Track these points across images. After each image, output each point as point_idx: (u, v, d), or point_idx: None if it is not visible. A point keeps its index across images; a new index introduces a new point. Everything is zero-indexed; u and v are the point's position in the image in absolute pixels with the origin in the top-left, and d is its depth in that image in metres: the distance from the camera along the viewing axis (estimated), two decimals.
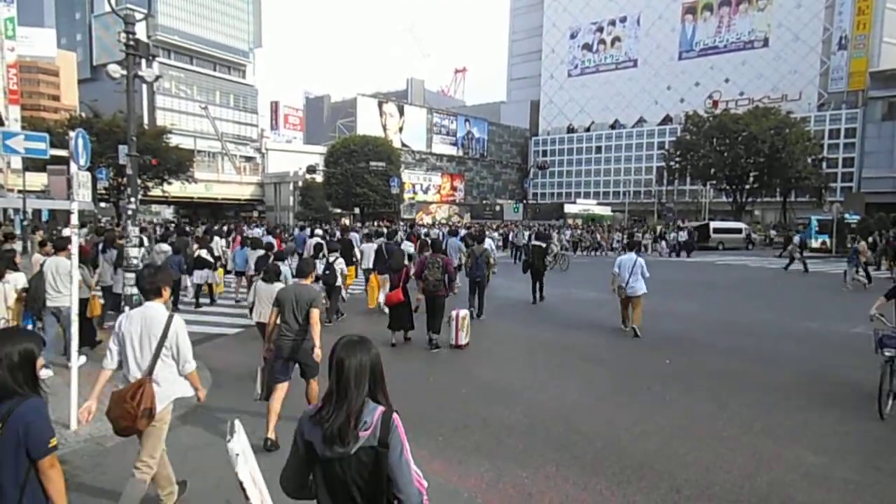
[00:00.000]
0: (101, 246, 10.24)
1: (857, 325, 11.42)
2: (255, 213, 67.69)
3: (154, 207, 71.33)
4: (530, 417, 6.29)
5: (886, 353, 6.44)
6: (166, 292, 4.22)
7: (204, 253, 13.18)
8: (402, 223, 45.92)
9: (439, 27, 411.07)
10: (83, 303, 7.42)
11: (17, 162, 39.58)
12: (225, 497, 4.38)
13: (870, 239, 24.65)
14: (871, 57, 67.58)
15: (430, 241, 11.29)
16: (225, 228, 27.15)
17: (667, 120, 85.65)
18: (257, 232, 20.43)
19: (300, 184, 60.33)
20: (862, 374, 7.76)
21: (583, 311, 13.63)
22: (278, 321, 5.73)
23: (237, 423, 3.50)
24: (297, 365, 5.77)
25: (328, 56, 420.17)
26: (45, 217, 36.22)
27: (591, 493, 4.61)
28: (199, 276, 12.91)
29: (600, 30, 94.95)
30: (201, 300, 13.22)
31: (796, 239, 26.39)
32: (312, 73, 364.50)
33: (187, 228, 25.36)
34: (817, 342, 10.43)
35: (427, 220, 60.49)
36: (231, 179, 71.16)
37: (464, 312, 9.70)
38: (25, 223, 27.85)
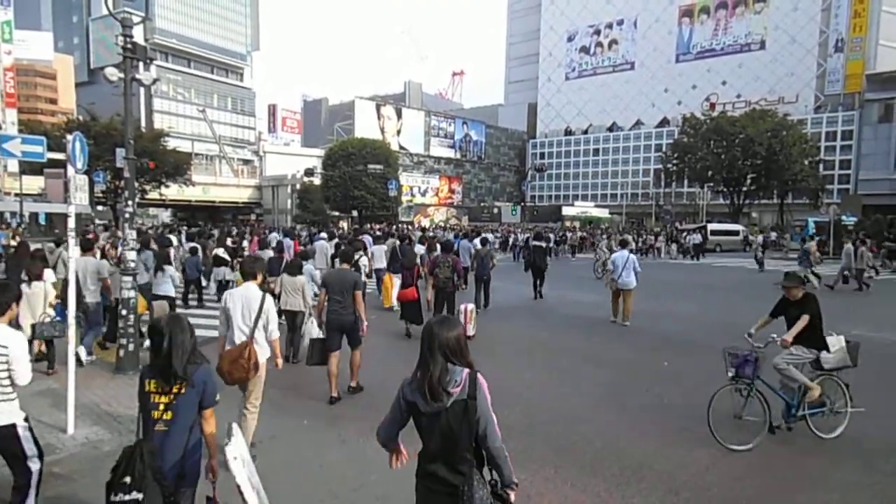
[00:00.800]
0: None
1: (854, 328, 11.42)
2: (253, 216, 67.63)
3: (151, 210, 71.27)
4: (529, 418, 6.28)
5: (729, 374, 5.71)
6: (260, 277, 5.37)
7: (221, 251, 13.83)
8: (412, 227, 45.97)
9: (437, 30, 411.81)
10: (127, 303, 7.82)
11: (13, 165, 39.58)
12: (224, 500, 4.35)
13: (816, 239, 25.60)
14: (867, 59, 67.84)
15: (440, 243, 12.20)
16: (234, 230, 28.07)
17: (664, 122, 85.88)
18: (273, 235, 21.15)
19: (298, 187, 60.29)
20: (860, 377, 7.75)
21: (582, 312, 13.63)
22: (327, 301, 6.88)
23: (235, 426, 3.49)
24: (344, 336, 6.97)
25: (326, 59, 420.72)
26: (42, 220, 36.12)
27: (589, 494, 4.60)
28: (217, 273, 13.48)
29: (597, 32, 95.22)
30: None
31: (759, 238, 26.56)
32: (310, 76, 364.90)
33: (213, 231, 25.89)
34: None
35: (425, 222, 60.50)
36: (229, 182, 71.08)
37: (471, 306, 10.42)
38: (23, 227, 27.79)
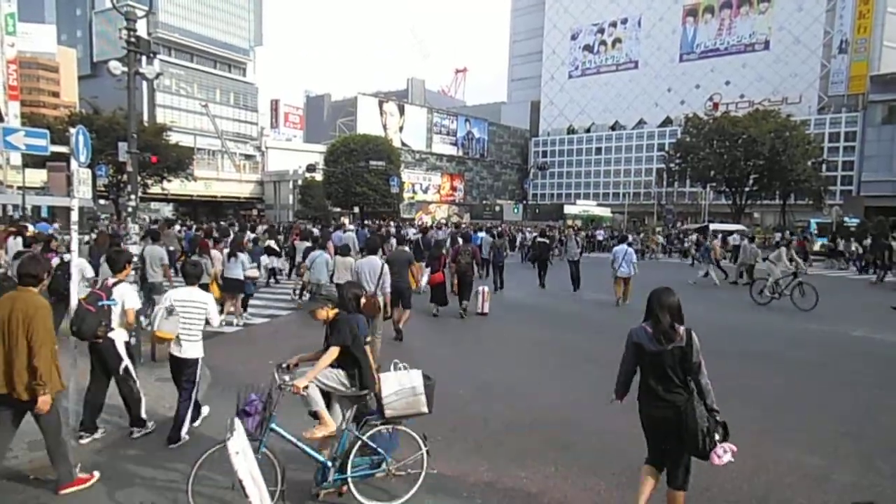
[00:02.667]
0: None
1: (857, 328, 11.43)
2: (255, 212, 67.62)
3: (153, 205, 71.26)
4: (530, 417, 6.29)
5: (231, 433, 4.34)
6: (380, 251, 7.89)
7: (272, 243, 16.75)
8: (414, 224, 46.00)
9: (440, 27, 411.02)
10: (203, 287, 8.33)
11: (16, 158, 39.62)
12: (222, 495, 4.36)
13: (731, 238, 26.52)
14: (871, 60, 67.67)
15: (462, 236, 15.06)
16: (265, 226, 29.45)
17: (667, 122, 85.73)
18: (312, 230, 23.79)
19: (300, 182, 60.27)
20: (861, 377, 7.78)
21: (584, 311, 13.64)
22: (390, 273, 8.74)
23: (237, 421, 3.51)
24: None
25: (329, 55, 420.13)
26: (44, 213, 36.18)
27: (590, 493, 4.61)
28: (266, 261, 15.32)
29: (601, 31, 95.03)
30: (270, 280, 16.42)
31: (693, 238, 26.68)
32: (313, 71, 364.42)
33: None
34: (816, 344, 10.44)
35: (427, 219, 60.51)
36: (231, 177, 71.08)
37: (487, 288, 12.87)
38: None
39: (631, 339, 4.03)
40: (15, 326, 4.16)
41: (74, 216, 6.05)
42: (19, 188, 34.65)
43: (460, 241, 13.90)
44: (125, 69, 7.86)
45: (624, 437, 5.76)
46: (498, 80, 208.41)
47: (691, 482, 4.84)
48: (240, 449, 3.24)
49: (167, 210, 73.37)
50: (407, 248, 12.45)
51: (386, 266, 8.27)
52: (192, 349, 5.36)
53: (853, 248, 27.38)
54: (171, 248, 14.17)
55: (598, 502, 4.50)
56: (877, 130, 64.37)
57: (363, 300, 5.47)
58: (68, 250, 8.46)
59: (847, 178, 67.82)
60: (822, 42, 73.41)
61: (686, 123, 54.75)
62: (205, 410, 5.93)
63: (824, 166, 53.90)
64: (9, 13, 47.47)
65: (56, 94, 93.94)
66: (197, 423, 5.70)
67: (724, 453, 3.79)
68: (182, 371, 5.37)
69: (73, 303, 5.54)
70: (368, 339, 5.63)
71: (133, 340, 6.27)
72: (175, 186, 47.44)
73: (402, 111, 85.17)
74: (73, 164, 6.00)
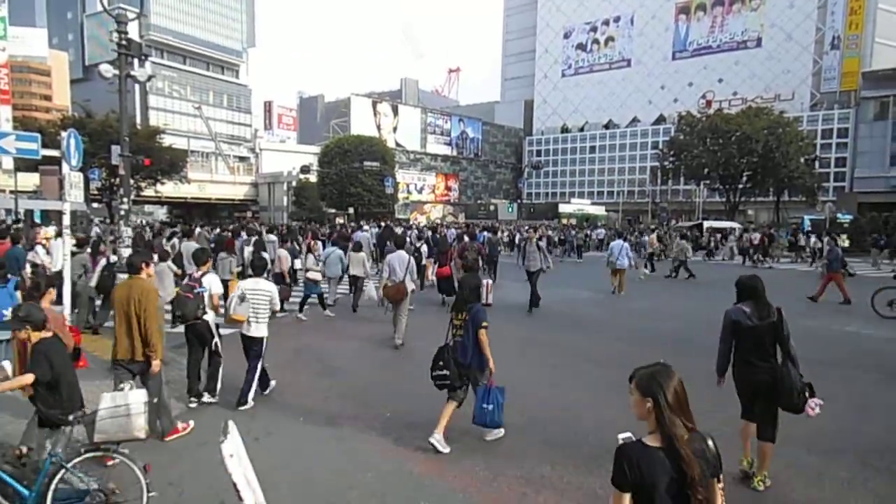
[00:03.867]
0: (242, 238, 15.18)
1: (850, 324, 11.47)
2: (249, 214, 67.44)
3: (147, 208, 71.05)
4: (526, 417, 6.29)
5: None
6: (405, 245, 9.39)
7: (265, 255, 17.17)
8: (411, 224, 45.86)
9: (433, 27, 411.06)
10: (225, 284, 9.60)
11: (8, 162, 39.38)
12: (219, 498, 4.35)
13: (657, 231, 26.83)
14: (863, 57, 67.98)
15: (468, 234, 17.24)
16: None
17: (660, 120, 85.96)
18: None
19: (294, 184, 60.16)
20: (857, 373, 7.80)
21: (579, 310, 13.66)
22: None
23: (231, 423, 3.49)
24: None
25: (322, 56, 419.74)
26: (37, 218, 35.99)
27: (585, 492, 4.60)
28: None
29: (594, 29, 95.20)
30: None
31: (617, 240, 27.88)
32: (306, 72, 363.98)
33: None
34: (812, 340, 10.47)
35: (421, 219, 60.47)
36: (225, 180, 70.87)
37: (490, 281, 14.18)
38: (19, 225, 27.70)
39: (729, 318, 4.70)
40: (132, 306, 5.18)
41: (66, 220, 6.03)
42: (12, 192, 34.43)
43: (466, 238, 16.06)
44: (116, 72, 7.83)
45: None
46: (491, 79, 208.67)
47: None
48: (234, 451, 3.22)
49: (161, 213, 73.15)
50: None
51: (412, 259, 9.38)
52: (259, 329, 6.53)
53: (812, 244, 27.87)
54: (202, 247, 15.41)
55: (593, 501, 4.50)
56: (869, 127, 64.66)
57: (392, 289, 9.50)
58: (115, 252, 10.57)
59: (840, 174, 68.13)
60: (814, 39, 73.74)
61: (679, 121, 54.87)
62: (273, 384, 7.04)
63: (817, 163, 54.09)
64: None
65: (48, 98, 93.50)
66: (267, 392, 6.92)
67: (815, 406, 4.50)
68: (251, 347, 6.56)
69: (67, 300, 5.51)
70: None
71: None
72: (169, 189, 47.27)
73: (395, 111, 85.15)
74: (65, 167, 5.98)
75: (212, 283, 6.60)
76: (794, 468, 5.11)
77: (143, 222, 44.49)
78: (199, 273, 6.71)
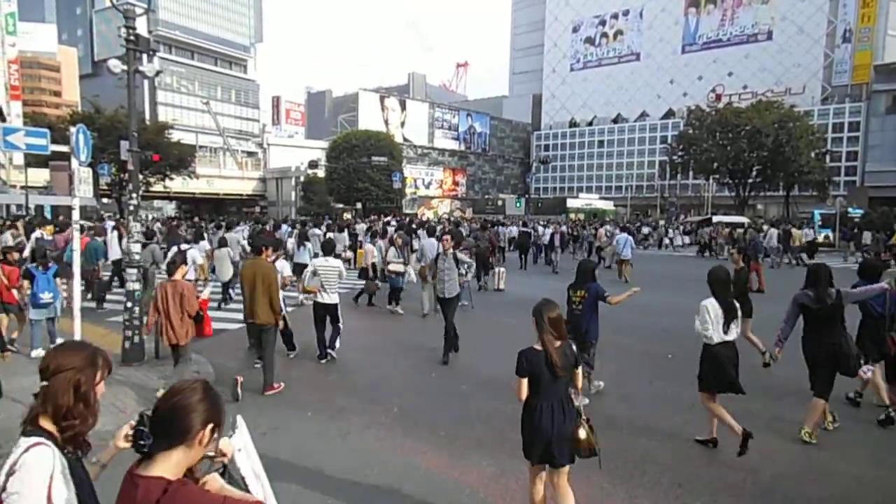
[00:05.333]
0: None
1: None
2: (257, 209, 67.67)
3: (156, 203, 71.41)
4: None
5: None
6: (434, 234, 11.40)
7: (343, 235, 19.07)
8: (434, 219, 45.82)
9: (441, 21, 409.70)
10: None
11: (18, 158, 39.72)
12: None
13: (605, 227, 27.36)
14: (875, 50, 67.21)
15: (480, 226, 19.51)
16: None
17: (669, 114, 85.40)
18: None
19: (302, 179, 60.27)
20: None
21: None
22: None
23: (239, 418, 3.49)
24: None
25: (329, 51, 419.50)
26: (47, 213, 36.27)
27: (593, 487, 4.60)
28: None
29: (603, 23, 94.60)
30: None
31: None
32: (314, 67, 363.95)
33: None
34: None
35: (429, 214, 60.43)
36: (233, 175, 71.05)
37: (502, 269, 15.76)
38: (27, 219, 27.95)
39: (797, 301, 5.50)
40: (258, 280, 6.76)
41: (76, 215, 6.07)
42: (22, 188, 34.72)
43: (480, 231, 18.51)
44: (125, 68, 7.84)
45: (626, 432, 5.76)
46: (499, 73, 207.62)
47: (695, 475, 4.87)
48: (242, 446, 3.23)
49: (170, 208, 73.49)
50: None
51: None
52: (330, 298, 8.12)
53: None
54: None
55: (601, 497, 4.50)
56: (881, 120, 63.99)
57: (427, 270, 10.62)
58: (187, 241, 12.97)
59: (851, 168, 67.48)
60: (825, 31, 72.94)
61: (689, 115, 54.46)
62: (338, 343, 8.40)
63: (828, 157, 53.55)
64: (9, 13, 47.51)
65: (58, 94, 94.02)
66: (338, 345, 8.42)
67: (868, 370, 5.52)
68: (328, 312, 8.16)
69: (76, 291, 5.54)
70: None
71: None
72: (177, 184, 47.51)
73: (403, 106, 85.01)
74: (74, 163, 6.00)
75: (283, 267, 8.27)
76: (804, 464, 5.07)
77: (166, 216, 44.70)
78: (273, 258, 7.75)
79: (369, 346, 9.50)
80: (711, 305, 5.25)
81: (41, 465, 1.81)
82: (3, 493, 1.77)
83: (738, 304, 5.38)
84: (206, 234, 15.94)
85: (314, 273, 8.09)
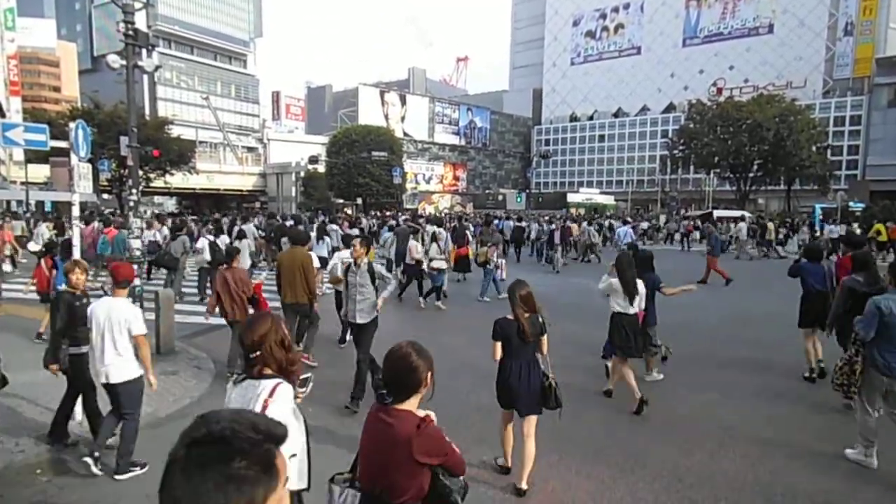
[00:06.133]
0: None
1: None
2: (258, 204, 67.63)
3: (156, 199, 71.31)
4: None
5: None
6: (444, 225, 12.64)
7: (354, 231, 18.16)
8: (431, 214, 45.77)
9: (441, 16, 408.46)
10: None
11: (19, 154, 39.67)
12: None
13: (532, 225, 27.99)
14: (877, 43, 66.99)
15: (487, 222, 18.84)
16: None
17: (670, 108, 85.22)
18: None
19: (302, 174, 60.21)
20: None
21: (586, 302, 13.60)
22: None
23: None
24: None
25: (329, 45, 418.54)
26: (48, 208, 36.26)
27: (593, 481, 4.61)
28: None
29: (603, 17, 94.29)
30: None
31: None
32: (314, 62, 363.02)
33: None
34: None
35: (430, 209, 60.38)
36: (233, 170, 70.97)
37: (503, 261, 14.86)
38: (28, 214, 28.05)
39: (846, 286, 5.82)
40: (297, 267, 7.63)
41: (76, 211, 6.06)
42: (23, 183, 34.70)
43: (484, 225, 18.80)
44: (124, 63, 7.82)
45: (627, 426, 5.77)
46: (500, 68, 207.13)
47: (696, 469, 4.89)
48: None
49: (170, 204, 73.39)
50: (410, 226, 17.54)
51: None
52: None
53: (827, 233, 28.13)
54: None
55: (601, 489, 4.50)
56: (882, 114, 63.84)
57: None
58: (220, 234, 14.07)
59: (852, 162, 67.36)
60: (826, 25, 72.68)
61: (690, 109, 54.34)
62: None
63: (829, 151, 53.45)
64: (7, 8, 47.37)
65: (57, 89, 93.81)
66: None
67: None
68: None
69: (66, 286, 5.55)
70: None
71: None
72: (177, 180, 47.44)
73: (403, 101, 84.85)
74: (73, 158, 6.00)
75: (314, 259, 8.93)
76: (804, 458, 5.08)
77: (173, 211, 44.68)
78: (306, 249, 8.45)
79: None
80: (616, 283, 6.35)
81: (287, 395, 2.58)
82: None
83: (639, 284, 6.39)
84: (224, 228, 16.87)
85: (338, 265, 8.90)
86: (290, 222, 20.82)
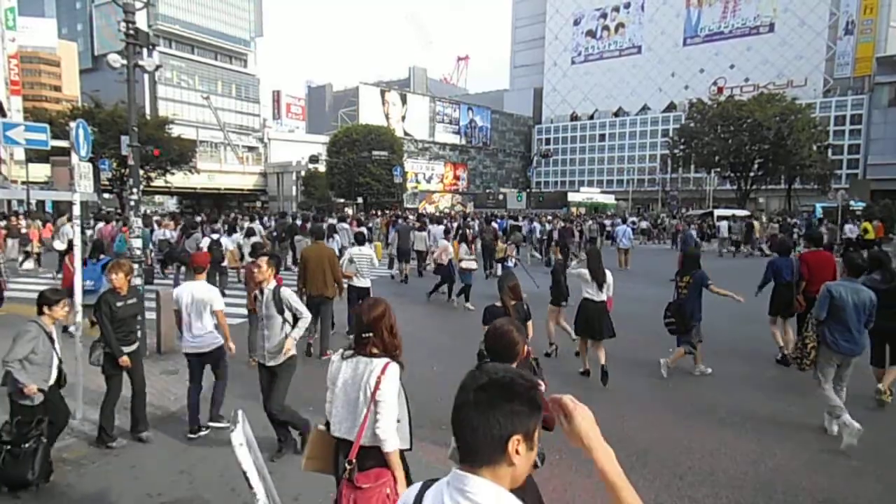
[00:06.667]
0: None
1: None
2: (258, 203, 67.67)
3: (157, 198, 71.43)
4: None
5: None
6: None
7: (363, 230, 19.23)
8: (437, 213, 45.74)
9: (442, 15, 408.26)
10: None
11: (20, 153, 39.69)
12: (230, 485, 4.40)
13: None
14: (877, 42, 66.95)
15: (487, 221, 20.29)
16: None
17: (671, 107, 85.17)
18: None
19: (303, 173, 60.25)
20: (867, 362, 7.72)
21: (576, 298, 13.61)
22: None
23: (240, 413, 3.51)
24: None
25: (330, 45, 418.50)
26: (49, 208, 36.27)
27: (593, 480, 4.60)
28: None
29: (604, 16, 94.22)
30: None
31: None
32: (314, 61, 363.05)
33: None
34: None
35: (430, 209, 60.40)
36: (234, 169, 71.03)
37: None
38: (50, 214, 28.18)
39: (866, 285, 5.79)
40: (324, 260, 8.29)
41: (76, 210, 6.07)
42: (24, 183, 34.69)
43: (485, 224, 19.94)
44: (125, 62, 7.82)
45: (627, 425, 5.78)
46: (500, 67, 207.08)
47: (696, 467, 4.89)
48: (243, 441, 3.24)
49: (171, 203, 73.47)
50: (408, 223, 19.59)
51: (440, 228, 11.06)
52: (363, 282, 9.30)
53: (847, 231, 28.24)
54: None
55: (601, 488, 4.48)
56: (883, 113, 63.77)
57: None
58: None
59: (853, 161, 67.30)
60: (827, 24, 72.60)
61: (690, 109, 54.26)
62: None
63: (830, 150, 53.37)
64: (8, 7, 47.42)
65: (58, 89, 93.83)
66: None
67: None
68: (361, 295, 8.93)
69: (78, 281, 5.55)
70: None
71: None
72: (178, 179, 47.43)
73: (404, 100, 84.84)
74: (74, 158, 6.00)
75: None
76: (804, 456, 5.09)
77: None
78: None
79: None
80: (585, 273, 7.24)
81: (396, 373, 3.01)
82: (378, 392, 2.92)
83: (607, 274, 7.29)
84: (237, 227, 17.52)
85: (350, 261, 9.28)
86: (299, 221, 21.30)
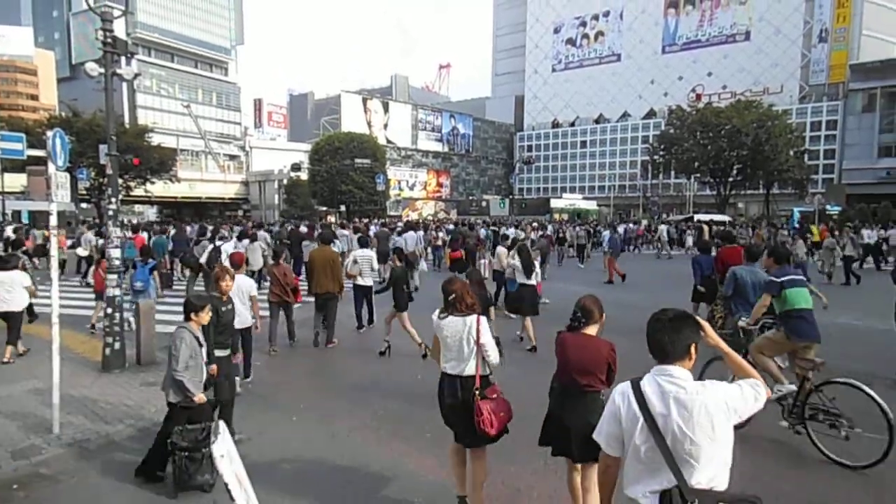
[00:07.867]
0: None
1: (840, 316, 11.52)
2: (240, 212, 67.12)
3: (137, 208, 70.45)
4: (519, 412, 6.26)
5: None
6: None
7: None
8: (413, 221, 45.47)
9: (423, 23, 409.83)
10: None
11: None
12: (211, 498, 4.34)
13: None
14: (851, 49, 68.42)
15: (470, 228, 22.29)
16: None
17: (651, 114, 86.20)
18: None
19: (285, 182, 59.92)
20: (859, 365, 7.84)
21: (567, 305, 13.66)
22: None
23: (221, 424, 3.46)
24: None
25: (311, 53, 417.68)
26: (25, 218, 35.62)
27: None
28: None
29: (584, 24, 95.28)
30: None
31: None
32: (296, 70, 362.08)
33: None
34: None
35: (413, 216, 60.35)
36: (215, 178, 70.48)
37: (486, 260, 16.66)
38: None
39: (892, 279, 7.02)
40: (328, 261, 9.37)
41: (53, 220, 5.96)
42: None
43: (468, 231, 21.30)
44: (102, 71, 7.73)
45: None
46: (482, 75, 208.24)
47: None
48: (224, 452, 3.20)
49: (151, 212, 72.54)
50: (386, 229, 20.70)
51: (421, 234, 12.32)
52: (366, 281, 10.22)
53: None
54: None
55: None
56: (857, 119, 65.05)
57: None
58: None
59: (829, 166, 68.57)
60: (802, 32, 74.12)
61: (670, 115, 54.96)
62: (375, 318, 10.68)
63: (806, 155, 54.33)
64: None
65: (35, 97, 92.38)
66: (375, 320, 10.66)
67: None
68: (364, 293, 10.36)
69: (55, 280, 5.45)
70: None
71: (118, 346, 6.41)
72: (158, 188, 46.90)
73: (386, 108, 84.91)
74: (51, 167, 5.90)
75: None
76: (804, 458, 5.12)
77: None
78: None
79: (355, 347, 9.46)
80: (517, 263, 9.08)
81: (486, 323, 4.21)
82: (480, 337, 4.09)
83: (535, 263, 9.38)
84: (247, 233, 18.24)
85: (354, 261, 10.22)
86: (304, 228, 23.56)
